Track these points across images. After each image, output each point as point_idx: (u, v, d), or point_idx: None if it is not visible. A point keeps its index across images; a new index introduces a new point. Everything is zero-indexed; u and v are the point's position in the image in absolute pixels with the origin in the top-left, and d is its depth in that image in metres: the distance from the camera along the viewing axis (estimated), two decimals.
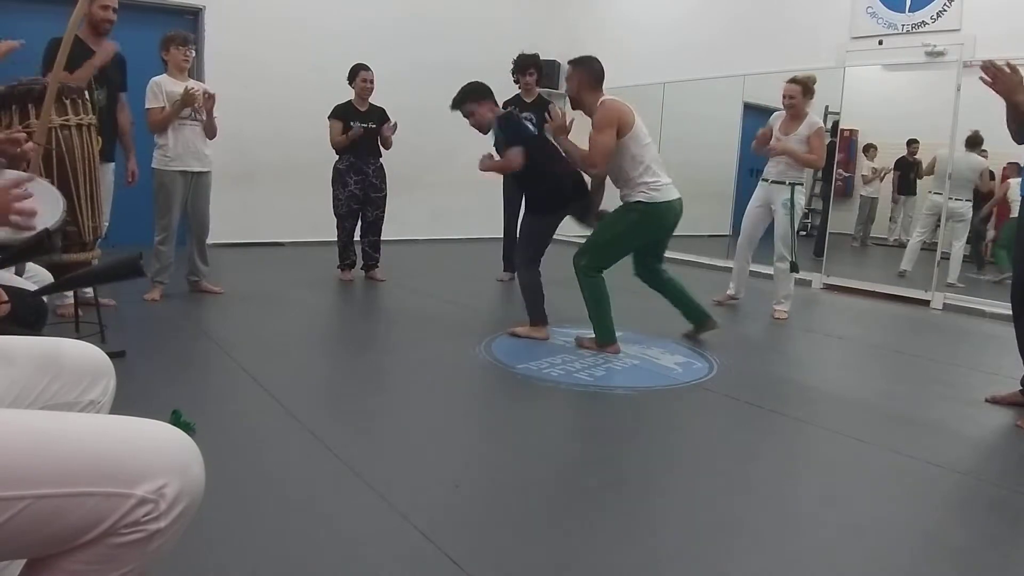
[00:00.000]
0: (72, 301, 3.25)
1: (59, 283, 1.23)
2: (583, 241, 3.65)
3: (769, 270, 4.74)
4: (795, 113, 4.46)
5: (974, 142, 5.67)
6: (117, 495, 0.81)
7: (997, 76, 2.62)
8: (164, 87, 4.13)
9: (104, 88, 3.76)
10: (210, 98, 4.16)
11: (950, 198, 5.78)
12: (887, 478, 2.22)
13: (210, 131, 4.28)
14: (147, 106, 4.12)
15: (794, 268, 4.51)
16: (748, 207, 4.78)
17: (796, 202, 4.46)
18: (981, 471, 2.34)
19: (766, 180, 4.60)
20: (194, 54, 4.39)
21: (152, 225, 4.28)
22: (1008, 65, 2.63)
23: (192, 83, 4.32)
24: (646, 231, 3.55)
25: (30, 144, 1.51)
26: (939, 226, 5.91)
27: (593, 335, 3.56)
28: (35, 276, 1.95)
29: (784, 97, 4.48)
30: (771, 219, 4.63)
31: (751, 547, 1.77)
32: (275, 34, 6.58)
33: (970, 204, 5.94)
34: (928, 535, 1.89)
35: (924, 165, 6.56)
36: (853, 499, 2.06)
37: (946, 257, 5.83)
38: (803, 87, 4.42)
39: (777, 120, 4.58)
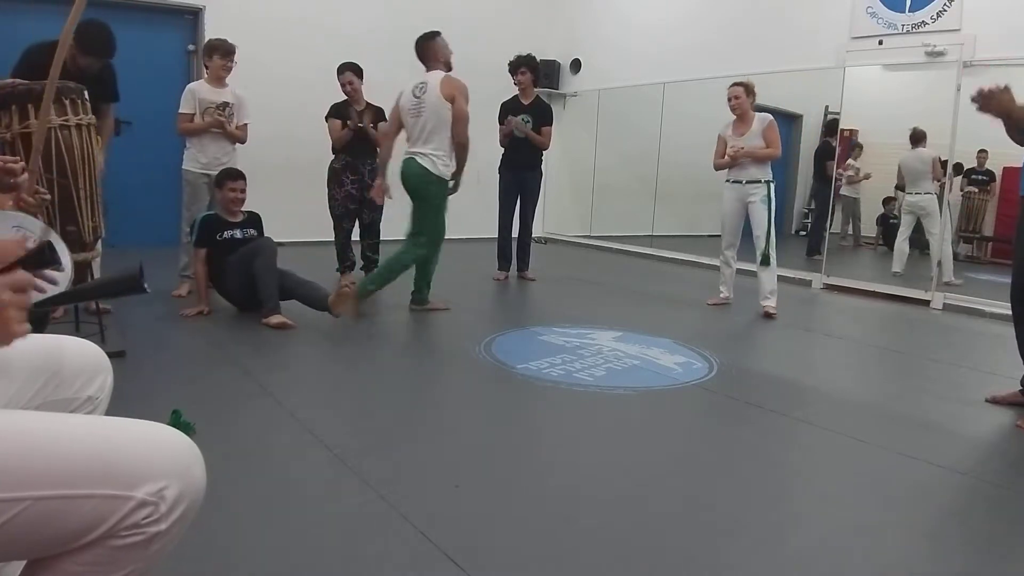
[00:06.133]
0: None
1: (59, 297, 1.23)
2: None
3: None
4: (742, 114, 4.69)
5: (917, 138, 6.04)
6: (117, 497, 0.81)
7: (990, 98, 2.58)
8: (198, 94, 4.29)
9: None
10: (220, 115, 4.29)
11: (916, 193, 6.09)
12: (887, 478, 2.22)
13: (232, 139, 4.43)
14: (180, 110, 4.28)
15: (765, 261, 4.62)
16: (723, 210, 4.85)
17: (772, 198, 4.63)
18: (981, 471, 2.33)
19: (739, 182, 4.71)
20: (235, 64, 4.47)
21: (178, 225, 4.48)
22: (996, 87, 2.59)
23: (229, 89, 4.44)
24: None
25: (25, 176, 1.47)
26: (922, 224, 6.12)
27: None
28: None
29: (729, 99, 4.72)
30: (746, 216, 4.75)
31: (751, 547, 1.77)
32: (275, 34, 6.57)
33: (932, 197, 5.96)
34: (928, 535, 1.89)
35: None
36: (853, 499, 2.06)
37: (925, 253, 6.02)
38: (746, 88, 4.70)
39: (727, 129, 4.77)
